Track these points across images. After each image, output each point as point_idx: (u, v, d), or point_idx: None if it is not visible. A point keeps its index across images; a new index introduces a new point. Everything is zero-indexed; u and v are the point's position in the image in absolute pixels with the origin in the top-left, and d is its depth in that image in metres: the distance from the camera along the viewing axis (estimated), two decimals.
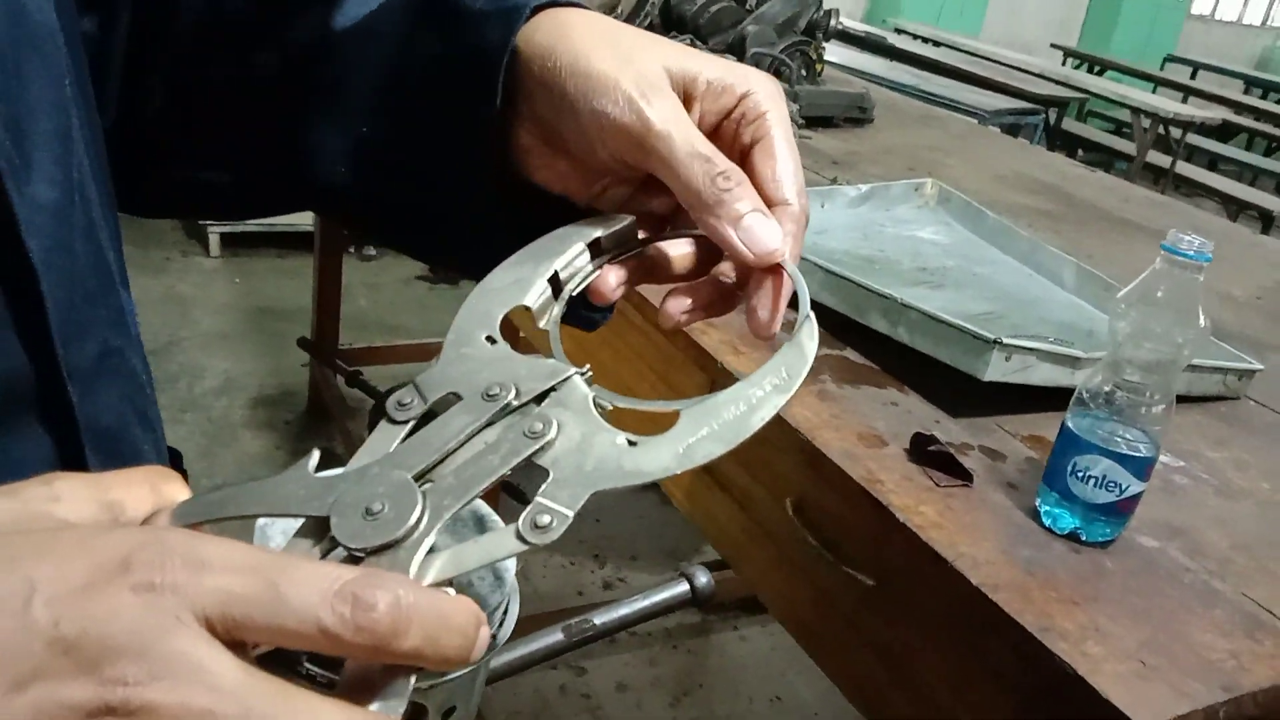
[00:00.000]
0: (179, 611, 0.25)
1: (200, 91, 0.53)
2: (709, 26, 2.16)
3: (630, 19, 2.11)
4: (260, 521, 0.49)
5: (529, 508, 0.33)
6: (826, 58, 2.30)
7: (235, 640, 0.26)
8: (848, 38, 5.14)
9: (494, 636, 0.38)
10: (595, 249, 0.43)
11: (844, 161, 1.85)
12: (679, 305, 0.44)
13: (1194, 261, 0.77)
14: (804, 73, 2.08)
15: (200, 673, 0.25)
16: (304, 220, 3.35)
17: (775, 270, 0.42)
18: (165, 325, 3.16)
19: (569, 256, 0.42)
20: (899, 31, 6.62)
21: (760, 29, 2.05)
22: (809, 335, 0.39)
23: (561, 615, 0.84)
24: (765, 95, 0.44)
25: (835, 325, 1.11)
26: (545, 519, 0.32)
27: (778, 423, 0.95)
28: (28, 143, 0.39)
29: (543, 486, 0.33)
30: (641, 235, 0.46)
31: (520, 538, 0.32)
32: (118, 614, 0.25)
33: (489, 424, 0.35)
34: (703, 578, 0.64)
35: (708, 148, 0.41)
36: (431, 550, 0.31)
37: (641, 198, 0.47)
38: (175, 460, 0.55)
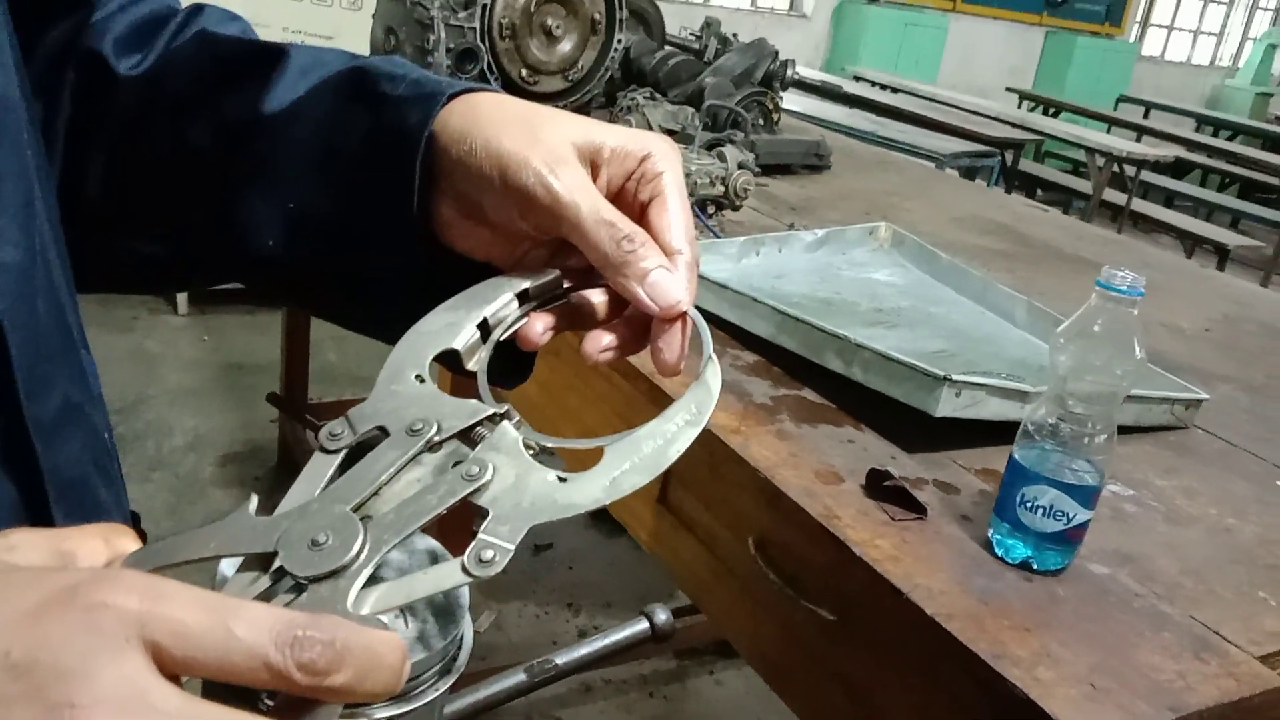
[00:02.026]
0: (127, 633, 0.27)
1: (137, 167, 0.55)
2: (668, 79, 2.21)
3: (591, 74, 2.16)
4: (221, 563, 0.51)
5: (473, 544, 0.35)
6: (785, 106, 2.36)
7: (174, 673, 0.28)
8: (806, 86, 5.24)
9: (449, 669, 0.39)
10: (523, 298, 0.47)
11: (801, 207, 1.89)
12: (596, 344, 0.47)
13: (1127, 296, 0.80)
14: (761, 122, 2.13)
15: (145, 697, 0.26)
16: None
17: (679, 316, 0.45)
18: (132, 383, 3.15)
19: (498, 304, 0.46)
20: (857, 79, 6.77)
21: (718, 81, 2.10)
22: (713, 374, 0.43)
23: None
24: (661, 156, 0.48)
25: (793, 366, 1.14)
26: (489, 553, 0.35)
27: (737, 462, 0.97)
28: None
29: (484, 524, 0.36)
30: (565, 286, 0.49)
31: (465, 570, 0.34)
32: (68, 638, 0.26)
33: (414, 458, 0.37)
34: (662, 615, 0.66)
35: (612, 213, 0.46)
36: (376, 580, 0.33)
37: (560, 258, 0.50)
38: (134, 521, 0.57)
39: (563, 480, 0.38)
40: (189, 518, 2.60)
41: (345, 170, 0.51)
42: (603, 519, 2.73)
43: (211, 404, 3.13)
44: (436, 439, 0.38)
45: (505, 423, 0.39)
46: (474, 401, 0.40)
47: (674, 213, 0.47)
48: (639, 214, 0.48)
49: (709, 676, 2.36)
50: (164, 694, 0.27)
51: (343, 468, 0.37)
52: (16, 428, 0.42)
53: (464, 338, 0.44)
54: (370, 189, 0.50)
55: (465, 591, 0.41)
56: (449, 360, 0.44)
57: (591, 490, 0.38)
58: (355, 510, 0.35)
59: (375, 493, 0.36)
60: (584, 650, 0.63)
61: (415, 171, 0.48)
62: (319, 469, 0.37)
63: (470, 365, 0.44)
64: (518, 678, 0.58)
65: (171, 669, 0.28)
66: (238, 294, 3.76)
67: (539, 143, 0.46)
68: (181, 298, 3.65)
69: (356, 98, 0.52)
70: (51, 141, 0.55)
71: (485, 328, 0.45)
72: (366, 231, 0.51)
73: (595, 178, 0.48)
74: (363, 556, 0.33)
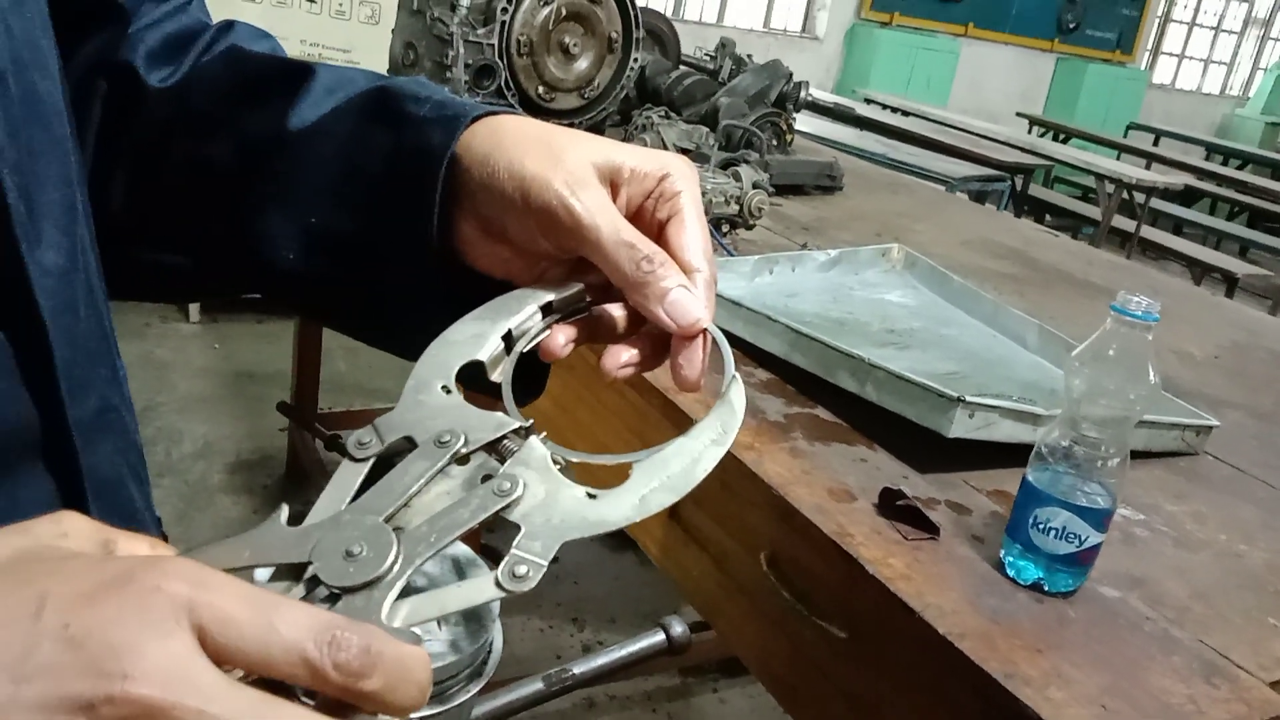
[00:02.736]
0: (178, 616, 0.28)
1: (160, 179, 0.57)
2: (682, 99, 2.23)
3: (607, 92, 2.17)
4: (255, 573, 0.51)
5: (506, 558, 0.36)
6: (797, 128, 2.38)
7: (217, 660, 0.29)
8: (818, 108, 5.27)
9: (480, 674, 0.40)
10: (547, 311, 0.48)
11: (814, 228, 1.91)
12: (615, 360, 0.48)
13: (1142, 321, 0.81)
14: (775, 142, 2.14)
15: (193, 674, 0.28)
16: None
17: (699, 334, 0.46)
18: (143, 390, 3.16)
19: (523, 316, 0.47)
20: (868, 102, 6.80)
21: (732, 101, 2.12)
22: (737, 393, 0.44)
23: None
24: (680, 176, 0.49)
25: (806, 384, 1.15)
26: (522, 569, 0.36)
27: (750, 478, 0.98)
28: (37, 212, 0.43)
29: (516, 539, 0.37)
30: (588, 300, 0.50)
31: (499, 585, 0.35)
32: (121, 617, 0.28)
33: (442, 470, 0.38)
34: (678, 628, 0.67)
35: (632, 234, 0.47)
36: (411, 592, 0.34)
37: (577, 275, 0.51)
38: (158, 525, 0.58)
39: (592, 497, 0.38)
40: (198, 524, 2.60)
41: (367, 188, 0.52)
42: (609, 533, 2.73)
43: (221, 412, 3.14)
44: (464, 451, 0.39)
45: (534, 438, 0.40)
46: (499, 414, 0.41)
47: (692, 231, 0.48)
48: (657, 232, 0.49)
49: (713, 694, 2.36)
50: (208, 672, 0.28)
51: (369, 476, 0.38)
52: (59, 428, 0.43)
53: (489, 349, 0.45)
54: (391, 207, 0.51)
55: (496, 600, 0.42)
56: (471, 373, 0.45)
57: (622, 508, 0.38)
58: (387, 521, 0.36)
59: (405, 504, 0.37)
60: (601, 660, 0.64)
61: (437, 191, 0.49)
62: (347, 477, 0.38)
63: (495, 376, 0.45)
64: (535, 686, 0.58)
65: (215, 655, 0.29)
66: (249, 303, 3.78)
67: (561, 164, 0.47)
68: (193, 306, 3.67)
69: (380, 117, 0.53)
70: (81, 150, 0.56)
71: (509, 339, 0.46)
72: (386, 249, 0.52)
73: (615, 197, 0.49)
74: (396, 568, 0.34)
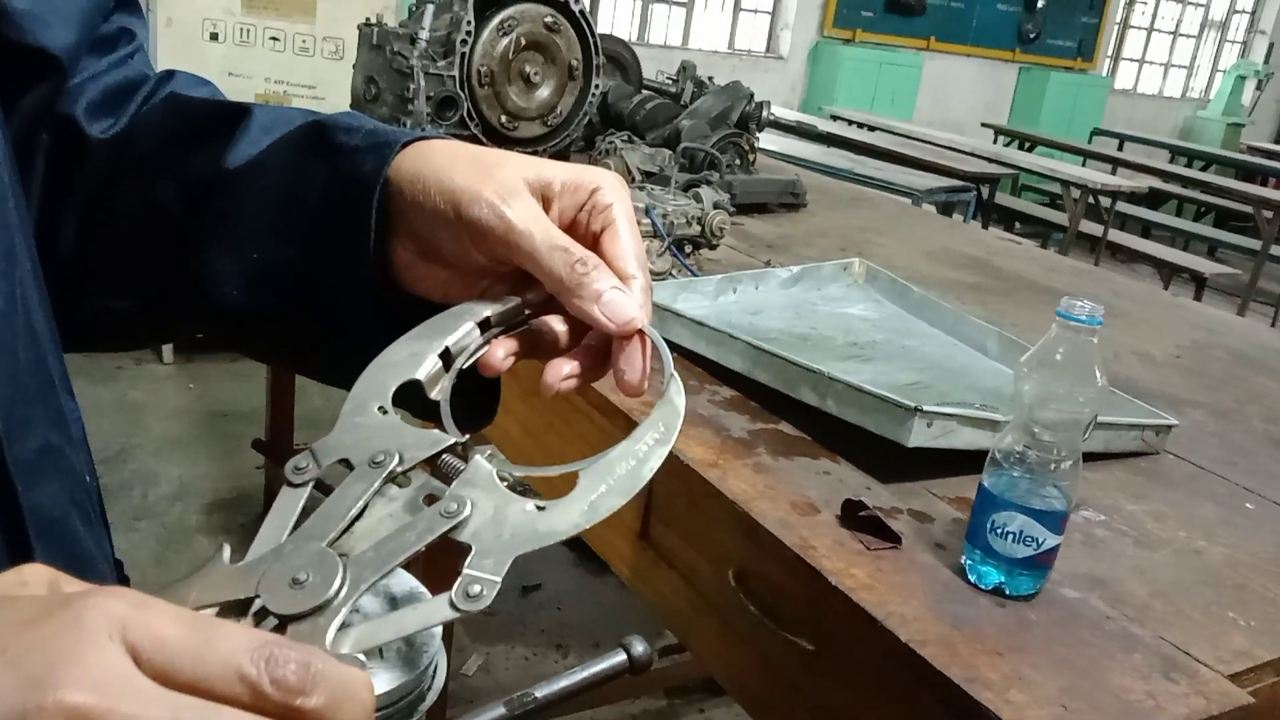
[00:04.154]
0: (110, 631, 0.28)
1: (107, 226, 0.58)
2: (645, 123, 2.25)
3: (570, 119, 2.19)
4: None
5: (460, 579, 0.36)
6: (762, 145, 2.40)
7: (155, 681, 0.29)
8: (782, 126, 5.31)
9: (423, 697, 0.41)
10: (485, 326, 0.48)
11: (777, 245, 1.93)
12: (556, 374, 0.48)
13: (1087, 325, 0.83)
14: (738, 162, 2.16)
15: (127, 682, 0.28)
16: None
17: (636, 336, 0.47)
18: (117, 432, 3.15)
19: (460, 333, 0.47)
20: (835, 118, 6.86)
21: (694, 123, 2.14)
22: (677, 391, 0.44)
23: None
24: (610, 189, 0.51)
25: (769, 400, 1.16)
26: (476, 588, 0.36)
27: (715, 496, 0.99)
28: None
29: (468, 559, 0.37)
30: (526, 314, 0.51)
31: (454, 606, 0.35)
32: (57, 635, 0.28)
33: (379, 491, 0.38)
34: (639, 646, 0.67)
35: (564, 239, 0.48)
36: (354, 621, 0.34)
37: (518, 290, 0.52)
38: (118, 568, 0.58)
39: (541, 509, 0.38)
40: (175, 566, 2.59)
41: (306, 220, 0.53)
42: (589, 557, 2.73)
43: (197, 452, 3.13)
44: (399, 470, 0.39)
45: (478, 456, 0.40)
46: (435, 431, 0.41)
47: (625, 240, 0.50)
48: (592, 244, 0.50)
49: (699, 715, 2.35)
50: (141, 678, 0.28)
51: (309, 501, 0.38)
52: None
53: (427, 367, 0.45)
54: (330, 236, 0.52)
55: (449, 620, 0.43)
56: (410, 394, 0.45)
57: (570, 516, 0.38)
58: (331, 547, 0.36)
59: (348, 528, 0.37)
60: (564, 683, 0.64)
61: (371, 216, 0.50)
62: (288, 504, 0.38)
63: (434, 394, 0.45)
64: (497, 712, 0.59)
65: (150, 675, 0.29)
66: (223, 342, 3.76)
67: (491, 177, 0.49)
68: (167, 347, 3.65)
69: (315, 150, 0.54)
70: (27, 200, 0.56)
71: (448, 356, 0.46)
72: (327, 278, 0.53)
73: (547, 211, 0.50)
74: (343, 594, 0.34)
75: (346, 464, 0.40)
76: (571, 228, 0.50)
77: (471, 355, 0.48)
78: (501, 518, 0.38)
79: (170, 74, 0.61)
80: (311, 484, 0.39)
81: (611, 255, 0.49)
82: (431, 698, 0.40)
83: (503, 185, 0.48)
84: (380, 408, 0.43)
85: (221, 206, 0.55)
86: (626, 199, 0.51)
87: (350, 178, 0.51)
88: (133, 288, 0.59)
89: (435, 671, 0.41)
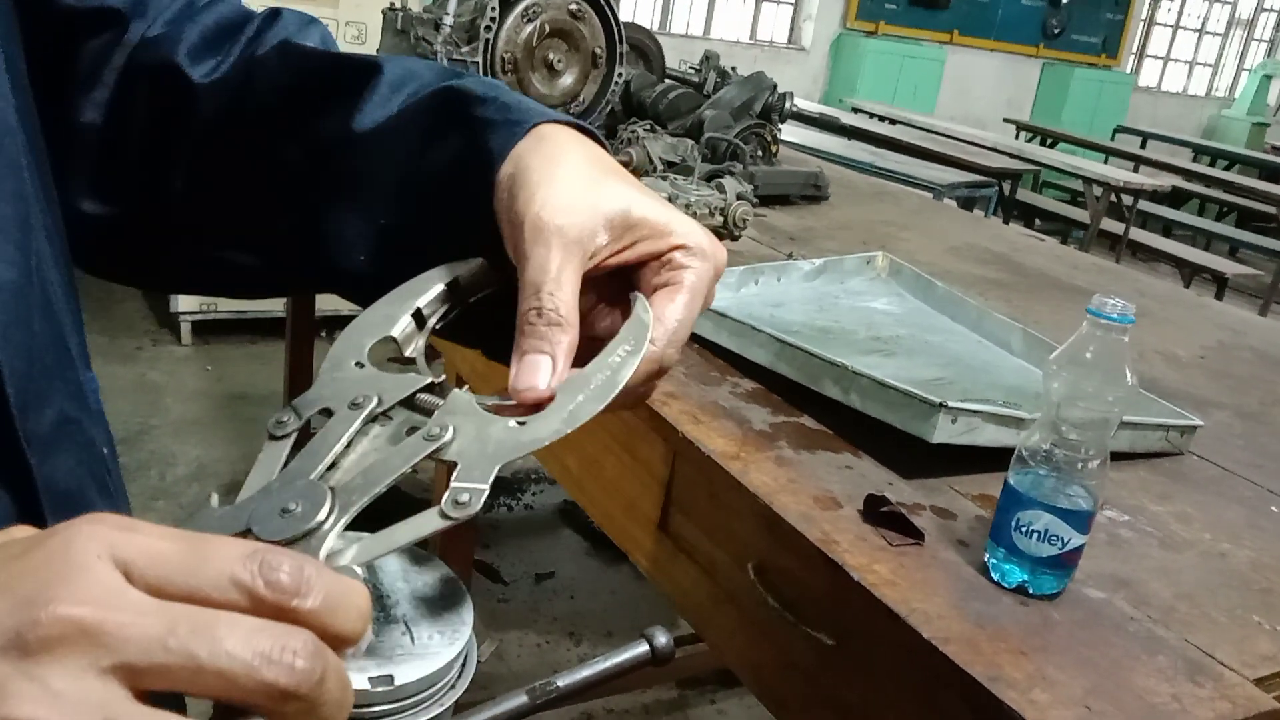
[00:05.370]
0: (99, 551, 0.28)
1: (223, 179, 0.57)
2: (668, 112, 2.24)
3: (592, 107, 2.19)
4: None
5: (447, 491, 0.37)
6: (784, 137, 2.39)
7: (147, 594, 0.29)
8: (804, 118, 5.29)
9: (454, 685, 0.41)
10: (454, 287, 0.49)
11: (800, 237, 1.92)
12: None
13: (1118, 323, 0.82)
14: (760, 154, 2.15)
15: (121, 595, 0.28)
16: (275, 306, 3.38)
17: (531, 403, 0.43)
18: (136, 413, 3.16)
19: (430, 295, 0.48)
20: (856, 111, 6.82)
21: (716, 114, 2.13)
22: (643, 308, 0.46)
23: None
24: (695, 254, 0.48)
25: (791, 393, 1.16)
26: (464, 496, 0.37)
27: (737, 488, 0.98)
28: None
29: (454, 474, 0.38)
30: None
31: (444, 515, 0.36)
32: (48, 559, 0.28)
33: (361, 430, 0.39)
34: (662, 638, 0.66)
35: (551, 284, 0.45)
36: (347, 544, 0.35)
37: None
38: None
39: (522, 424, 0.40)
40: None
41: (434, 188, 0.52)
42: (603, 547, 2.74)
43: (214, 434, 3.14)
44: (379, 410, 0.40)
45: (456, 389, 0.41)
46: (412, 374, 0.42)
47: (671, 311, 0.47)
48: (650, 293, 0.48)
49: (711, 705, 2.35)
50: (134, 591, 0.28)
51: (291, 455, 0.39)
52: (9, 441, 0.43)
53: (400, 327, 0.46)
54: (455, 207, 0.51)
55: (470, 607, 0.43)
56: (391, 355, 0.46)
57: (551, 424, 0.40)
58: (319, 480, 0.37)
59: (332, 465, 0.38)
60: (585, 672, 0.64)
61: (492, 193, 0.49)
62: (271, 456, 0.39)
63: (409, 353, 0.47)
64: (519, 700, 0.58)
65: (143, 589, 0.29)
66: (241, 324, 3.79)
67: (566, 209, 0.46)
68: (185, 328, 3.67)
69: (448, 119, 0.53)
70: (119, 149, 0.56)
71: (420, 317, 0.48)
72: (450, 246, 0.52)
73: (622, 243, 0.48)
74: (332, 518, 0.35)
75: (327, 413, 0.40)
76: (639, 269, 0.49)
77: (442, 317, 0.49)
78: (484, 436, 0.39)
79: (276, 13, 0.59)
80: (294, 436, 0.40)
81: (655, 313, 0.47)
82: (463, 685, 0.40)
83: (561, 216, 0.46)
84: (357, 363, 0.43)
85: (349, 168, 0.54)
86: (707, 271, 0.49)
87: (481, 151, 0.50)
88: (251, 243, 0.58)
89: (467, 660, 0.41)
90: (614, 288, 0.50)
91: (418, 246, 0.53)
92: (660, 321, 0.46)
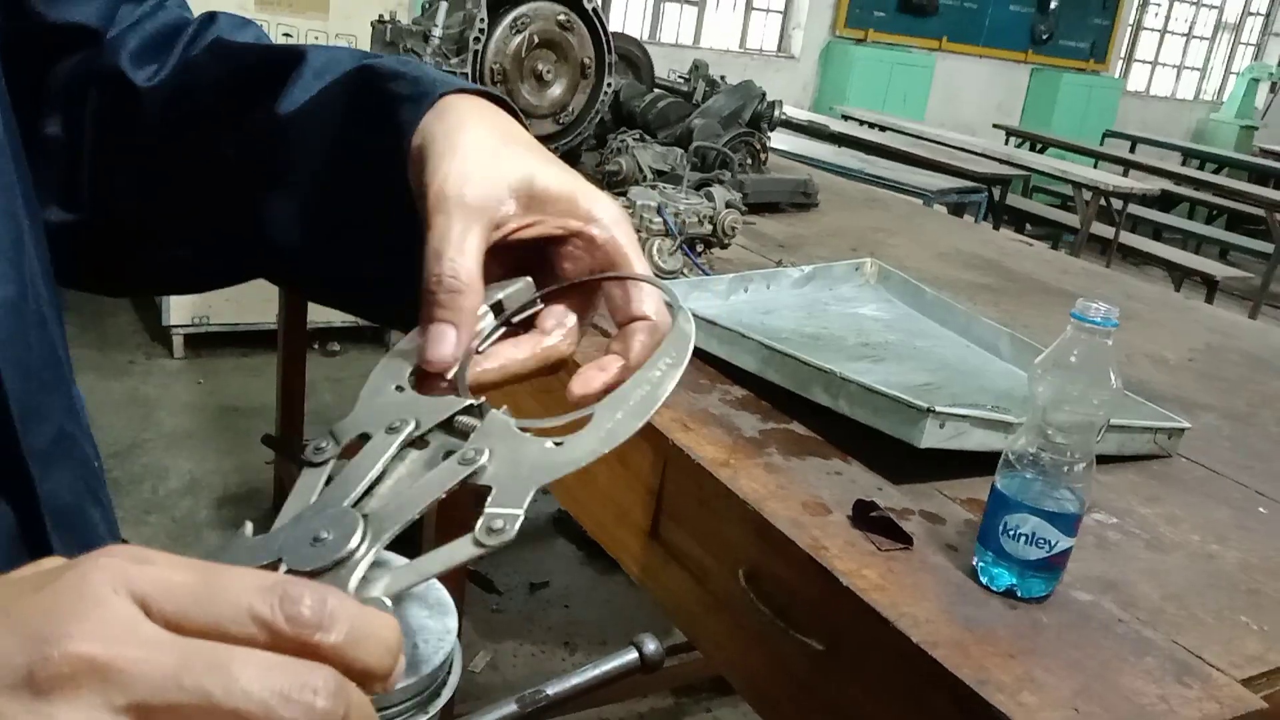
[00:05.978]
0: (114, 586, 0.28)
1: (168, 178, 0.58)
2: (657, 121, 2.25)
3: (582, 117, 2.19)
4: None
5: (481, 518, 0.36)
6: (774, 145, 2.40)
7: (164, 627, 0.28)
8: (794, 126, 5.31)
9: (439, 694, 0.41)
10: (497, 310, 0.48)
11: (789, 245, 1.92)
12: (586, 384, 0.47)
13: (1102, 327, 0.82)
14: (749, 162, 2.16)
15: (134, 631, 0.27)
16: (267, 318, 3.38)
17: (437, 371, 0.44)
18: (128, 427, 3.16)
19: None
20: (846, 118, 6.84)
21: (705, 122, 2.14)
22: (685, 320, 0.44)
23: None
24: (610, 221, 0.48)
25: (781, 400, 1.16)
26: (498, 523, 0.36)
27: (727, 495, 0.99)
28: None
29: (489, 499, 0.37)
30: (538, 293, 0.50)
31: (478, 543, 0.35)
32: (60, 594, 0.28)
33: (398, 454, 0.39)
34: (651, 645, 0.67)
35: (453, 250, 0.45)
36: (378, 575, 0.34)
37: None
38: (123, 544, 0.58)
39: (558, 444, 0.38)
40: None
41: (358, 165, 0.53)
42: (597, 555, 2.74)
43: (207, 447, 3.14)
44: (416, 434, 0.39)
45: (494, 411, 0.40)
46: (451, 396, 0.42)
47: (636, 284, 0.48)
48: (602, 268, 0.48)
49: (706, 714, 2.35)
50: (149, 626, 0.28)
51: (330, 482, 0.38)
52: (12, 456, 0.44)
53: None
54: (378, 181, 0.52)
55: (454, 615, 0.43)
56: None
57: (588, 444, 0.38)
58: (353, 508, 0.36)
59: (368, 491, 0.37)
60: (576, 680, 0.64)
61: (405, 165, 0.50)
62: (308, 484, 0.38)
63: (450, 375, 0.46)
64: (509, 708, 0.59)
65: (160, 624, 0.28)
66: (233, 337, 3.78)
67: (468, 178, 0.47)
68: (177, 341, 3.66)
69: (363, 96, 0.54)
70: (76, 160, 0.57)
71: None
72: (376, 219, 0.53)
73: (531, 215, 0.48)
74: (363, 547, 0.34)
75: (365, 439, 0.40)
76: (555, 244, 0.49)
77: (485, 340, 0.47)
78: (519, 458, 0.38)
79: (212, 16, 0.61)
80: (331, 463, 0.39)
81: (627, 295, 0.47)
82: (446, 694, 0.40)
83: (462, 185, 0.46)
84: (397, 386, 0.43)
85: (279, 152, 0.55)
86: (628, 230, 0.49)
87: (393, 126, 0.51)
88: (192, 236, 0.59)
89: (451, 668, 0.41)
90: (525, 260, 0.50)
91: (351, 223, 0.54)
92: (637, 294, 0.47)
